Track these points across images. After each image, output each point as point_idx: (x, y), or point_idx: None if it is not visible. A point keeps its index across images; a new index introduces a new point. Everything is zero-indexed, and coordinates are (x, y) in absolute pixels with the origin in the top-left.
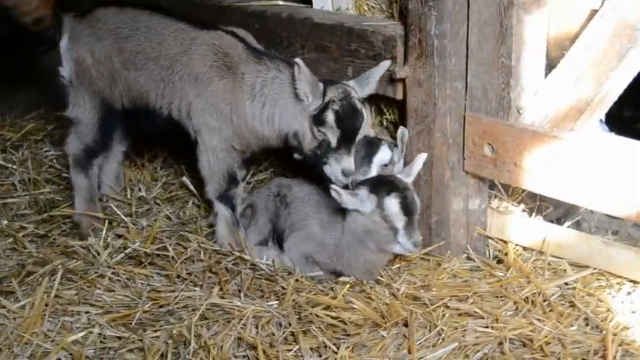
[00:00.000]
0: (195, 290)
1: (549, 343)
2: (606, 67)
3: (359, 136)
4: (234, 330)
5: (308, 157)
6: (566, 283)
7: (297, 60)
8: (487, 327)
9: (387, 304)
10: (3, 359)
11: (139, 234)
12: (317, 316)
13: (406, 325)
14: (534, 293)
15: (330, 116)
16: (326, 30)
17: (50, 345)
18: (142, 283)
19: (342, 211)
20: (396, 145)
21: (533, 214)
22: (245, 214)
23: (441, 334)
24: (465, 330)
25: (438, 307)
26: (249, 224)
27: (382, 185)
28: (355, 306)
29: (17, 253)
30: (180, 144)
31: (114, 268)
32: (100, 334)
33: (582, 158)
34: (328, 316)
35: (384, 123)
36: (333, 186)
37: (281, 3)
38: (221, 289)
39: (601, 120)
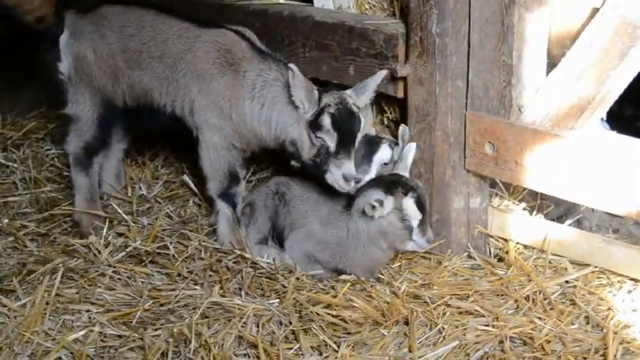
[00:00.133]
0: (195, 289)
1: (550, 342)
2: (607, 65)
3: (357, 140)
4: (234, 328)
5: (308, 166)
6: (566, 282)
7: (291, 65)
8: (488, 325)
9: (387, 302)
10: (3, 358)
11: (139, 232)
12: (318, 314)
13: (407, 323)
14: (535, 291)
15: (326, 120)
16: (327, 28)
17: (51, 344)
18: (142, 282)
19: (344, 209)
20: (396, 144)
21: (534, 212)
22: (244, 213)
23: (441, 333)
24: (465, 328)
25: (438, 305)
26: (249, 223)
27: (396, 186)
28: (356, 304)
29: (18, 251)
30: (181, 142)
31: (114, 267)
32: (100, 332)
33: (583, 157)
34: (329, 314)
35: (385, 121)
36: (368, 200)
37: (282, 1)
38: (222, 288)
39: (602, 118)
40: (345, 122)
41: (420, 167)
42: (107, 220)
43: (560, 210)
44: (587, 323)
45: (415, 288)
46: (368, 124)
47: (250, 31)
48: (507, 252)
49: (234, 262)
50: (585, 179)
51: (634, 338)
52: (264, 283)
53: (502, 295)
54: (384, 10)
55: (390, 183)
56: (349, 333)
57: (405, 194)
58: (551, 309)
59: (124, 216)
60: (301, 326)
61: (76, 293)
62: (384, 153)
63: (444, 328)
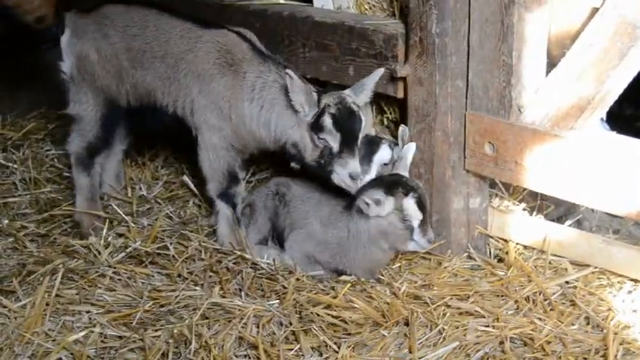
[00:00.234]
0: (196, 289)
1: (550, 342)
2: (607, 65)
3: (360, 138)
4: (235, 329)
5: (312, 168)
6: (567, 282)
7: (288, 71)
8: (488, 326)
9: (388, 303)
10: (4, 359)
11: (139, 233)
12: (318, 315)
13: (407, 324)
14: (535, 292)
15: (327, 120)
16: (327, 29)
17: (51, 344)
18: (142, 283)
19: (344, 210)
20: (396, 144)
21: (534, 212)
22: (244, 213)
23: (442, 333)
24: (465, 329)
25: (438, 306)
26: (249, 223)
27: (397, 186)
28: (356, 305)
29: (18, 252)
30: (181, 143)
31: (115, 268)
32: (101, 333)
33: (583, 157)
34: (329, 315)
35: (385, 122)
36: (363, 199)
37: (282, 2)
38: (222, 289)
39: (602, 118)
40: (347, 121)
41: (419, 167)
42: (107, 220)
43: (560, 210)
44: (588, 324)
45: (415, 289)
46: (368, 125)
47: (252, 33)
48: (507, 252)
49: (234, 263)
50: (585, 179)
51: (634, 339)
52: (264, 284)
53: (502, 296)
54: (384, 11)
55: (390, 183)
56: (349, 334)
57: (406, 194)
58: (551, 309)
59: (124, 217)
60: (301, 327)
61: (77, 294)
62: (384, 153)
63: (444, 329)
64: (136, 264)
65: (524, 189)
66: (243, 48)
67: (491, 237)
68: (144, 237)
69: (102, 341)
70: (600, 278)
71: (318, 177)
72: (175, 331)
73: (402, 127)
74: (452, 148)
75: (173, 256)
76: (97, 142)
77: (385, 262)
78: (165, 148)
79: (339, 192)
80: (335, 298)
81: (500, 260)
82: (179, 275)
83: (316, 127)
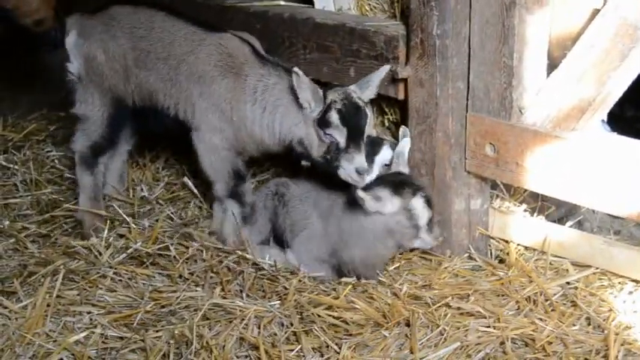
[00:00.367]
0: (197, 290)
1: (551, 343)
2: (608, 66)
3: (366, 133)
4: (236, 330)
5: (319, 164)
6: (568, 283)
7: (295, 69)
8: (489, 327)
9: (388, 304)
10: (5, 359)
11: (140, 234)
12: (319, 316)
13: (408, 325)
14: (536, 293)
15: (334, 116)
16: (328, 30)
17: (52, 345)
18: (143, 284)
19: (347, 204)
20: (397, 145)
21: (535, 213)
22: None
23: (443, 334)
24: (467, 330)
25: (440, 306)
26: (250, 224)
27: (404, 186)
28: (357, 306)
29: (19, 253)
30: (182, 144)
31: (116, 269)
32: (102, 334)
33: (584, 158)
34: (330, 316)
35: (386, 123)
36: (358, 192)
37: (283, 3)
38: (223, 290)
39: (603, 120)
40: (353, 117)
41: (420, 169)
42: (108, 221)
43: (561, 211)
44: (589, 324)
45: (416, 289)
46: (370, 126)
47: (255, 38)
48: (508, 253)
49: (234, 263)
50: (586, 181)
51: (635, 339)
52: (265, 285)
53: (503, 295)
54: (385, 12)
55: (397, 183)
56: (350, 334)
57: (413, 194)
58: (552, 310)
59: (125, 217)
60: (302, 328)
61: (77, 295)
62: (385, 154)
63: (445, 330)
64: (136, 265)
65: (525, 190)
66: (244, 52)
67: (492, 238)
68: (145, 238)
69: (103, 342)
70: (601, 279)
71: (319, 174)
72: (176, 332)
73: (402, 129)
74: (453, 149)
75: (174, 256)
76: (102, 141)
77: (388, 258)
78: (166, 149)
79: (339, 186)
80: (336, 299)
81: (502, 261)
82: (180, 276)
83: (323, 122)
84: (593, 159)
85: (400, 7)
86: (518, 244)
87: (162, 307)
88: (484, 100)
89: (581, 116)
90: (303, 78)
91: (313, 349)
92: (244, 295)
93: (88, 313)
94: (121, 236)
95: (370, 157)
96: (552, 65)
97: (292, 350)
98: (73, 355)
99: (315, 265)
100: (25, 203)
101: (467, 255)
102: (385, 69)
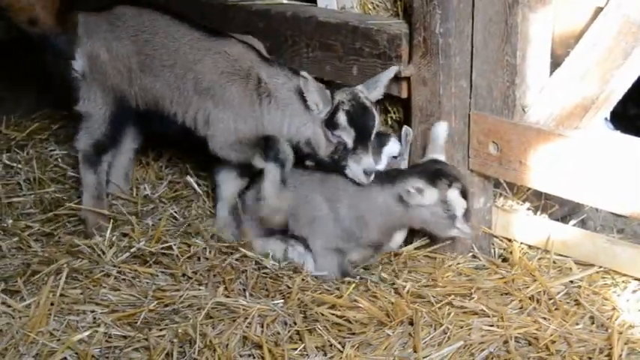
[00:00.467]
0: (200, 289)
1: (555, 342)
2: (611, 65)
3: (373, 134)
4: (239, 329)
5: (326, 164)
6: (571, 282)
7: (303, 73)
8: (492, 325)
9: (392, 302)
10: (9, 358)
11: (144, 233)
12: (322, 315)
13: (411, 323)
14: (539, 291)
15: (342, 117)
16: (330, 29)
17: (56, 344)
18: (147, 282)
19: (359, 189)
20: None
21: (539, 212)
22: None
23: (446, 333)
24: (470, 328)
25: (443, 305)
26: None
27: (440, 177)
28: (360, 305)
29: (22, 252)
30: (185, 143)
31: (119, 267)
32: (105, 333)
33: (587, 156)
34: (333, 314)
35: (389, 121)
36: (406, 187)
37: (285, 2)
38: (226, 289)
39: (606, 118)
40: (361, 118)
41: None
42: (112, 220)
43: (564, 210)
44: (592, 323)
45: (419, 287)
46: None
47: (257, 41)
48: (512, 252)
49: (237, 261)
50: (589, 179)
51: (639, 338)
52: (268, 284)
53: (506, 294)
54: (388, 10)
55: (433, 173)
56: (354, 333)
57: (450, 185)
58: (555, 309)
59: (129, 217)
60: (306, 327)
61: (81, 294)
62: (393, 146)
63: (448, 329)
64: (140, 264)
65: (529, 188)
66: (250, 56)
67: (496, 236)
68: (148, 237)
69: (106, 341)
70: (605, 278)
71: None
72: (180, 331)
73: (405, 128)
74: (456, 147)
75: (177, 255)
76: (105, 140)
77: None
78: (169, 148)
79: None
80: (339, 297)
81: (505, 260)
82: (183, 275)
83: (331, 124)
84: (597, 157)
85: (403, 6)
86: (521, 243)
87: (166, 305)
88: (487, 98)
89: (584, 114)
90: (312, 81)
91: (316, 347)
92: (247, 294)
93: (92, 311)
94: (125, 235)
95: (379, 149)
96: (555, 63)
97: (295, 349)
98: (76, 353)
99: (325, 257)
100: (28, 202)
101: (470, 254)
102: (394, 70)
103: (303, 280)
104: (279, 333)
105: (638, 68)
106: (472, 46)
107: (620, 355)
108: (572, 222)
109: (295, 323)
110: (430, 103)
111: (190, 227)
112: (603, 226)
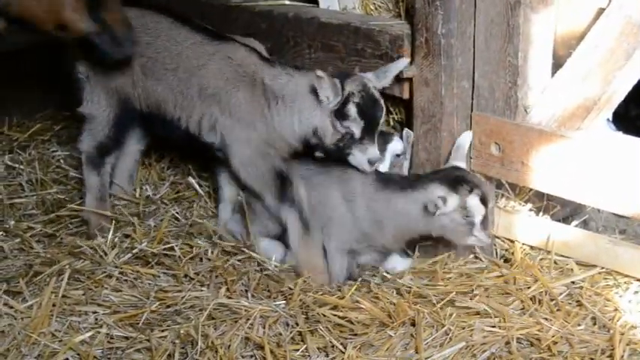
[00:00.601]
0: (202, 290)
1: (557, 343)
2: (613, 66)
3: (380, 125)
4: (241, 330)
5: (331, 151)
6: (573, 282)
7: (319, 72)
8: (494, 326)
9: (394, 303)
10: (11, 359)
11: (146, 234)
12: (324, 315)
13: (413, 324)
14: (541, 292)
15: (352, 109)
16: (333, 29)
17: (58, 345)
18: (149, 283)
19: (379, 189)
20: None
21: (540, 213)
22: (248, 204)
23: (448, 334)
24: (472, 329)
25: (445, 306)
26: (254, 216)
27: (461, 183)
28: (362, 306)
29: (25, 253)
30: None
31: (121, 268)
32: (107, 334)
33: (589, 157)
34: (335, 315)
35: (391, 122)
36: (433, 199)
37: (287, 3)
38: (228, 290)
39: (608, 119)
40: (370, 109)
41: (425, 168)
42: (114, 221)
43: (566, 211)
44: (594, 324)
45: (420, 287)
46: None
47: (258, 43)
48: (513, 253)
49: (239, 262)
50: (591, 180)
51: None
52: (270, 285)
53: (507, 293)
54: (390, 11)
55: (453, 179)
56: (356, 334)
57: (470, 192)
58: (557, 310)
59: (130, 218)
60: (308, 327)
61: (83, 295)
62: (396, 145)
63: (450, 329)
64: (142, 265)
65: (531, 189)
66: (253, 59)
67: (498, 237)
68: (150, 238)
69: (108, 342)
70: (607, 278)
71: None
72: (182, 332)
73: (405, 131)
74: None
75: (179, 256)
76: (108, 142)
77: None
78: (172, 149)
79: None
80: (341, 298)
81: (507, 260)
82: (185, 276)
83: (340, 114)
84: (599, 158)
85: (405, 7)
86: (523, 244)
87: (168, 306)
88: (489, 99)
89: (586, 115)
90: (326, 78)
91: (318, 348)
92: (249, 295)
93: (94, 312)
94: (127, 236)
95: (382, 147)
96: (557, 64)
97: (297, 350)
98: (78, 354)
99: (337, 258)
100: (30, 203)
101: (472, 255)
102: (404, 62)
103: (304, 281)
104: (281, 334)
105: None
106: (474, 47)
107: (622, 356)
108: (574, 223)
109: (297, 324)
110: (432, 104)
111: (192, 227)
112: (605, 227)
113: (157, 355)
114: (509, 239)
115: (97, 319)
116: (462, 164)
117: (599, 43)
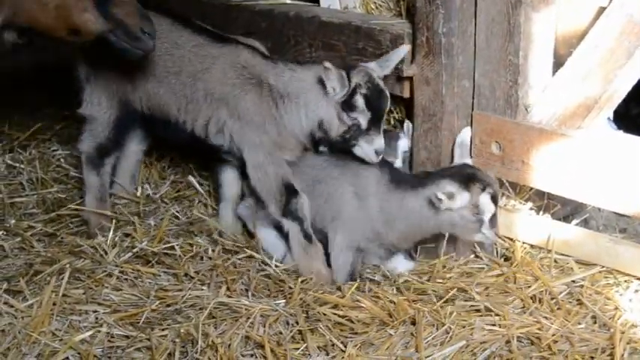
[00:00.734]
0: (202, 289)
1: (557, 342)
2: (614, 64)
3: (385, 115)
4: (241, 329)
5: (336, 143)
6: (573, 281)
7: (326, 64)
8: (494, 325)
9: (394, 302)
10: (11, 358)
11: (146, 233)
12: (324, 314)
13: (414, 323)
14: (542, 291)
15: (359, 101)
16: (333, 29)
17: (58, 344)
18: (149, 282)
19: (393, 184)
20: None
21: (541, 212)
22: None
23: (448, 333)
24: (472, 328)
25: (445, 304)
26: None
27: (473, 181)
28: (363, 305)
29: (25, 252)
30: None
31: (121, 267)
32: (107, 333)
33: (590, 156)
34: (336, 314)
35: (392, 121)
36: (437, 194)
37: (288, 2)
38: (228, 288)
39: (608, 118)
40: (376, 100)
41: (426, 167)
42: (114, 220)
43: (566, 210)
44: (595, 323)
45: (420, 284)
46: None
47: (258, 43)
48: (514, 252)
49: (239, 260)
50: (592, 179)
51: None
52: (270, 284)
53: (507, 292)
54: (390, 10)
55: (466, 177)
56: (356, 333)
57: (482, 190)
58: (558, 309)
59: (130, 218)
60: (308, 326)
61: (83, 294)
62: (404, 142)
63: (450, 328)
64: (142, 264)
65: (531, 188)
66: (256, 60)
67: (498, 236)
68: (150, 237)
69: (109, 341)
70: (607, 277)
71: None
72: (182, 331)
73: (406, 123)
74: None
75: (179, 255)
76: (108, 143)
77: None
78: (172, 148)
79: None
80: (342, 297)
81: (507, 259)
82: (186, 275)
83: (348, 106)
84: (599, 157)
85: (406, 6)
86: (523, 242)
87: (168, 305)
88: (490, 98)
89: (587, 114)
90: (333, 70)
91: (319, 347)
92: (250, 293)
93: (94, 311)
94: (127, 235)
95: (394, 145)
96: (558, 63)
97: (298, 349)
98: (78, 353)
99: (342, 253)
100: (30, 202)
101: (473, 254)
102: (405, 49)
103: (304, 281)
104: (281, 333)
105: None
106: (475, 46)
107: (623, 355)
108: (575, 222)
109: (297, 323)
110: (433, 103)
111: (193, 226)
112: (606, 226)
113: (158, 354)
114: (509, 238)
115: (97, 318)
116: (469, 161)
117: (599, 42)
